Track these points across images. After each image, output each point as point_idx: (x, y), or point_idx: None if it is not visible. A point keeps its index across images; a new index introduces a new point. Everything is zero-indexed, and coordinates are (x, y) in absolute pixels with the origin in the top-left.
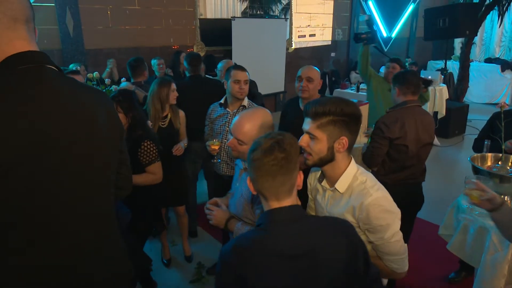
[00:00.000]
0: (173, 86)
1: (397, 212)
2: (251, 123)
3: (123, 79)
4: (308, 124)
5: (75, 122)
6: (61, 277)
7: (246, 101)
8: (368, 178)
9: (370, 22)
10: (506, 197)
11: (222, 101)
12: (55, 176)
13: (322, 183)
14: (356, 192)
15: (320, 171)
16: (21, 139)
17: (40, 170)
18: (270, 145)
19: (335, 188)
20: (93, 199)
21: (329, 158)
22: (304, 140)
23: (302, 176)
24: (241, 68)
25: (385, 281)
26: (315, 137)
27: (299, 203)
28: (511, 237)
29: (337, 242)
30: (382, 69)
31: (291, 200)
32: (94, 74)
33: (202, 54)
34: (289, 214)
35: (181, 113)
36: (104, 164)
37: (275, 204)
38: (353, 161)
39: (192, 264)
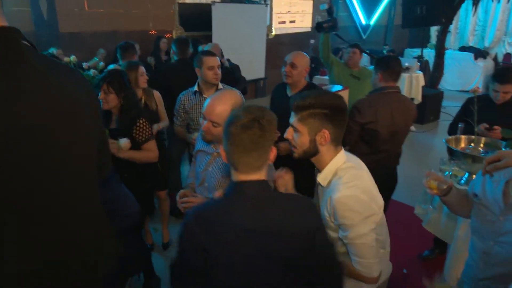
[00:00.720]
0: (141, 69)
1: (367, 214)
2: (223, 104)
3: (101, 63)
4: (292, 118)
5: (58, 103)
6: (60, 277)
7: (220, 85)
8: (348, 174)
9: (331, 11)
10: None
11: (196, 88)
12: (37, 164)
13: (317, 177)
14: (331, 186)
15: None
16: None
17: (23, 157)
18: (249, 121)
19: (318, 182)
20: (79, 188)
21: (313, 151)
22: (289, 133)
23: (275, 151)
24: (212, 54)
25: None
26: (297, 130)
27: (265, 178)
28: (460, 214)
29: (297, 220)
30: None
31: (260, 174)
32: (71, 57)
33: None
34: (256, 189)
35: (156, 94)
36: (88, 146)
37: (243, 177)
38: (340, 154)
39: (175, 248)
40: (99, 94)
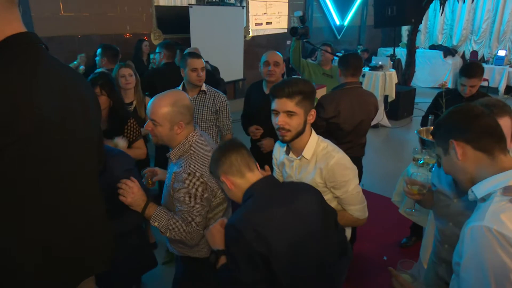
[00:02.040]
0: (122, 71)
1: (354, 168)
2: (162, 103)
3: (81, 67)
4: (283, 105)
5: (72, 103)
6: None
7: (204, 86)
8: (328, 144)
9: (304, 19)
10: None
11: (180, 88)
12: (56, 159)
13: (290, 155)
14: (320, 156)
15: (285, 146)
16: (30, 118)
17: (42, 150)
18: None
19: (303, 156)
20: (87, 186)
21: (302, 131)
22: (282, 119)
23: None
24: (197, 56)
25: (348, 232)
26: (294, 114)
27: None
28: (430, 207)
29: (308, 195)
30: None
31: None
32: None
33: (159, 42)
34: (270, 182)
35: (148, 100)
36: (95, 142)
37: (251, 175)
38: (313, 132)
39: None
40: None
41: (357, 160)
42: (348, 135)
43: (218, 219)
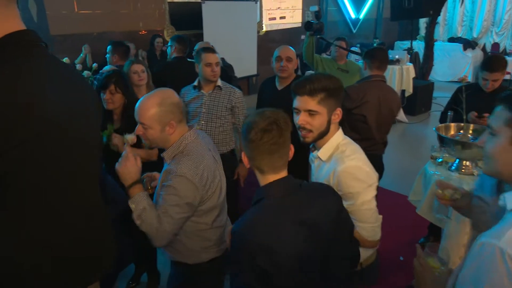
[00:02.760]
0: (134, 67)
1: (370, 182)
2: (148, 104)
3: (94, 64)
4: (305, 102)
5: (73, 104)
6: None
7: (219, 82)
8: (349, 148)
9: (319, 14)
10: (467, 162)
11: (195, 83)
12: (55, 161)
13: (314, 153)
14: (334, 160)
15: None
16: (31, 120)
17: (42, 154)
18: (267, 124)
19: (318, 156)
20: (88, 188)
21: (326, 131)
22: (303, 118)
23: (293, 149)
24: (211, 51)
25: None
26: (316, 113)
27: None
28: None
29: (326, 203)
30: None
31: (285, 172)
32: (64, 60)
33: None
34: (286, 185)
35: None
36: (98, 141)
37: (272, 177)
38: (340, 130)
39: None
40: (101, 94)
41: (377, 158)
42: (372, 130)
43: None
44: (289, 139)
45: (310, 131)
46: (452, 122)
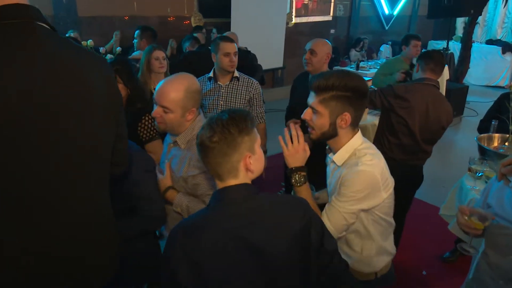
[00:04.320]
0: (156, 53)
1: (366, 195)
2: (175, 88)
3: (118, 48)
4: (311, 98)
5: (68, 89)
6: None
7: (236, 72)
8: (366, 155)
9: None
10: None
11: (211, 74)
12: (39, 156)
13: (329, 155)
14: (348, 165)
15: None
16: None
17: (24, 149)
18: (211, 126)
19: (333, 160)
20: (84, 182)
21: (332, 134)
22: (307, 113)
23: (260, 160)
24: (229, 40)
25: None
26: (317, 112)
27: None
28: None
29: (284, 219)
30: (382, 48)
31: (238, 180)
32: (88, 42)
33: (200, 25)
34: (236, 193)
35: None
36: (99, 141)
37: (219, 184)
38: (357, 135)
39: None
40: None
41: (417, 168)
42: (414, 136)
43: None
44: (240, 147)
45: (313, 128)
46: (496, 132)
